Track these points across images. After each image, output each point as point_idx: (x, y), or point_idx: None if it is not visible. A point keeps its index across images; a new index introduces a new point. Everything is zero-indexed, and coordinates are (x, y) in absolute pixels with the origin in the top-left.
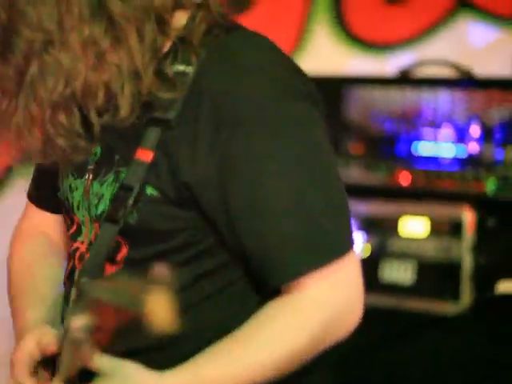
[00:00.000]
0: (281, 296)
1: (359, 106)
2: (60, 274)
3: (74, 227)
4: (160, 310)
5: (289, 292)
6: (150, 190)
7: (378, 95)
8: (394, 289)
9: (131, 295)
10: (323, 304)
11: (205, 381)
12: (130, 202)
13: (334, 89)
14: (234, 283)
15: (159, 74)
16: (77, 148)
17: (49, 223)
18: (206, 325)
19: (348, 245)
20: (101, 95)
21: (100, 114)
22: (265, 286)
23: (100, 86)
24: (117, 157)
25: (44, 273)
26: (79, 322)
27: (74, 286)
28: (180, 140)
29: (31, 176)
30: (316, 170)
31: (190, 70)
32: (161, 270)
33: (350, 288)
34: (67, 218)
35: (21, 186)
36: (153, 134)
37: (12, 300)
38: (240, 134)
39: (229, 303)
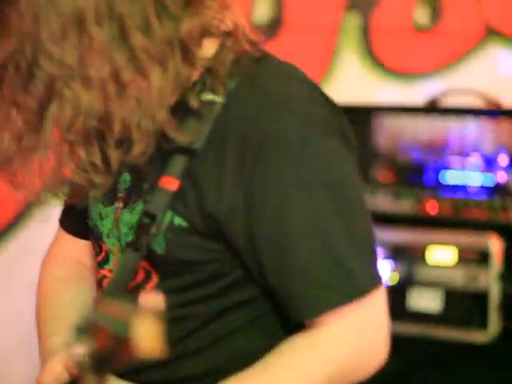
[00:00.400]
0: (302, 331)
1: (387, 134)
2: (88, 299)
3: (102, 255)
4: (146, 335)
5: (310, 327)
6: (178, 221)
7: (406, 124)
8: (421, 317)
9: (120, 319)
10: (342, 343)
11: None
12: (154, 230)
13: (362, 117)
14: (263, 316)
15: (184, 104)
16: (94, 184)
17: (80, 249)
18: (233, 356)
19: (372, 283)
20: (117, 129)
21: (117, 149)
22: (289, 320)
23: (117, 120)
24: (145, 185)
25: (71, 297)
26: (80, 347)
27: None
28: (206, 170)
29: (55, 204)
30: (342, 207)
31: (218, 100)
32: (150, 295)
33: (371, 329)
34: (95, 245)
35: (46, 214)
36: (178, 163)
37: (39, 325)
38: (264, 168)
39: (257, 336)
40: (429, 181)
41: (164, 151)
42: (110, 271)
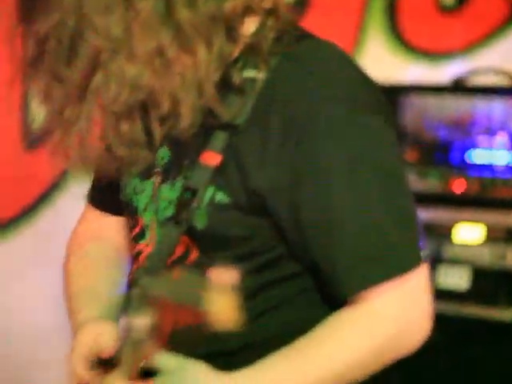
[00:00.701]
0: (347, 306)
1: (414, 113)
2: (119, 275)
3: (138, 229)
4: (222, 307)
5: (354, 303)
6: (219, 196)
7: (433, 103)
8: (448, 295)
9: (193, 293)
10: (385, 318)
11: None
12: (195, 204)
13: (388, 97)
14: (307, 290)
15: (226, 81)
16: (136, 158)
17: (110, 225)
18: (279, 330)
19: (415, 260)
20: (165, 105)
21: (160, 124)
22: (332, 295)
23: (164, 96)
24: (186, 161)
25: (101, 273)
26: (140, 320)
27: (137, 285)
28: (248, 146)
29: (89, 179)
30: (386, 183)
31: (259, 76)
32: (223, 267)
33: (414, 305)
34: (130, 220)
35: (75, 190)
36: (220, 138)
37: (68, 301)
38: (309, 144)
39: (302, 309)
40: (455, 160)
41: (206, 127)
42: (147, 245)
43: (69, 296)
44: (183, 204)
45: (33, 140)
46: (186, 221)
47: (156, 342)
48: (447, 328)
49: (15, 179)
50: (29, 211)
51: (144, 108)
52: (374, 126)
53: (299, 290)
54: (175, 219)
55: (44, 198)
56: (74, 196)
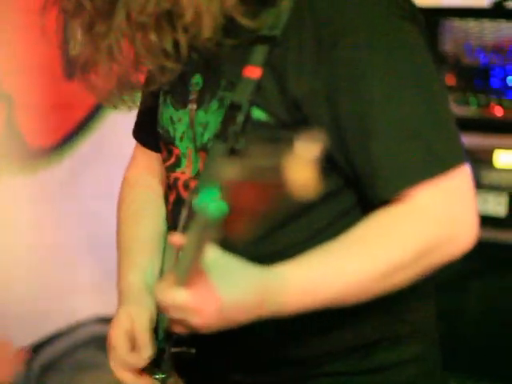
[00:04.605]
0: (388, 205)
1: (453, 37)
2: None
3: (172, 159)
4: (301, 174)
5: (396, 203)
6: (257, 114)
7: (473, 27)
8: (487, 221)
9: (267, 167)
10: (430, 216)
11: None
12: (241, 119)
13: (428, 20)
14: (347, 212)
15: None
16: (164, 69)
17: (156, 163)
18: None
19: (454, 159)
20: (189, 13)
21: (185, 34)
22: (374, 206)
23: (188, 5)
24: (223, 82)
25: (148, 220)
26: (210, 204)
27: (185, 207)
28: (286, 56)
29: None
30: (422, 85)
31: None
32: (305, 142)
33: (457, 204)
34: (165, 151)
35: (114, 118)
36: (260, 52)
37: (118, 248)
38: (343, 50)
39: (340, 231)
40: (495, 84)
41: (243, 44)
42: (183, 173)
43: (119, 245)
44: (228, 120)
45: (72, 69)
46: (233, 136)
47: (224, 230)
48: (485, 254)
49: (56, 107)
50: (69, 139)
51: (171, 19)
52: (408, 31)
53: (342, 211)
54: (220, 135)
55: (84, 125)
56: (113, 124)
